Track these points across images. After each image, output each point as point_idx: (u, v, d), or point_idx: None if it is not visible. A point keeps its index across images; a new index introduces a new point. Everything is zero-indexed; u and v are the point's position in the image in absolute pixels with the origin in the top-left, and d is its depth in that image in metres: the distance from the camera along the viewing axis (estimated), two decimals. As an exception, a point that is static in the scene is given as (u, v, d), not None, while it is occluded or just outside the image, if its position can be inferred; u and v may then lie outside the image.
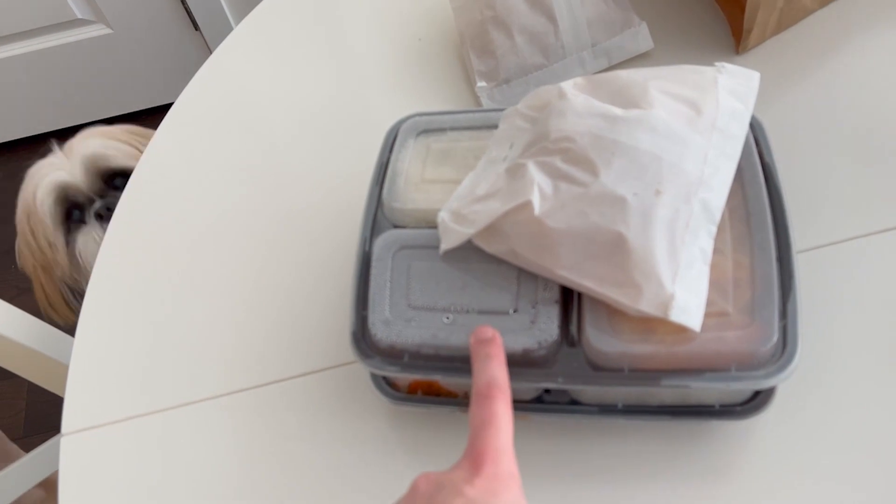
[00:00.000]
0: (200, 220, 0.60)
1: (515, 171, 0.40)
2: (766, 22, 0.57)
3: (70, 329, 0.90)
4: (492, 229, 0.41)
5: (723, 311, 0.38)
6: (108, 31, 1.46)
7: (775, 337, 0.37)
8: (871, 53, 0.55)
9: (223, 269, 0.56)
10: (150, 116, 1.62)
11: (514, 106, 0.45)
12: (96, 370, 0.53)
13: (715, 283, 0.39)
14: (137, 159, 0.83)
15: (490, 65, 0.58)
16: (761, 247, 0.40)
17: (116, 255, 0.60)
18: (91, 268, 0.81)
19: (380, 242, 0.45)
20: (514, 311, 0.40)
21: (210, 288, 0.56)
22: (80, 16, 1.43)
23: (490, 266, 0.42)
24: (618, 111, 0.39)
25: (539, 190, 0.39)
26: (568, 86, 0.42)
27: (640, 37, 0.59)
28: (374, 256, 0.44)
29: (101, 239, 0.81)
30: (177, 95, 0.68)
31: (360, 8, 0.71)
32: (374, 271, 0.43)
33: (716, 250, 0.40)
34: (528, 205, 0.39)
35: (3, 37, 1.45)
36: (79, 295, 0.88)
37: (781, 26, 0.58)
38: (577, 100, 0.40)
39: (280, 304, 0.53)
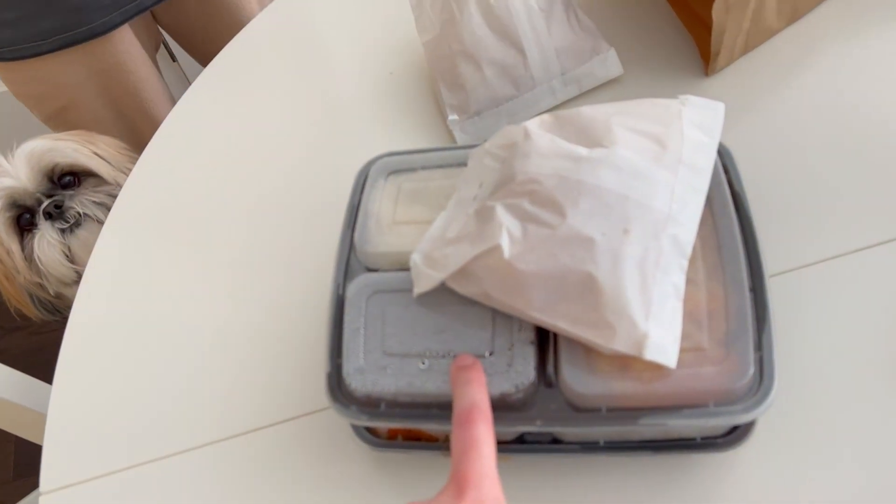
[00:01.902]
0: (172, 263, 0.60)
1: (484, 214, 0.40)
2: (734, 44, 0.57)
3: (44, 324, 0.90)
4: (463, 272, 0.40)
5: (698, 345, 0.38)
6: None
7: (751, 371, 0.37)
8: (838, 70, 0.55)
9: (196, 317, 0.56)
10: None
11: (482, 145, 0.45)
12: (73, 426, 0.52)
13: (689, 315, 0.39)
14: (85, 155, 0.83)
15: (461, 98, 0.58)
16: (734, 278, 0.39)
17: (88, 307, 0.59)
18: (50, 270, 0.81)
19: (353, 287, 0.44)
20: (490, 354, 0.40)
21: (183, 337, 0.55)
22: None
23: (465, 308, 0.42)
24: (582, 151, 0.39)
25: (508, 233, 0.39)
26: (533, 125, 0.42)
27: (610, 63, 0.59)
28: (348, 302, 0.44)
29: (55, 239, 0.81)
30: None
31: (330, 43, 0.71)
32: (347, 317, 0.43)
33: (689, 281, 0.40)
34: (497, 248, 0.38)
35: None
36: (44, 302, 0.87)
37: (749, 47, 0.58)
38: (541, 140, 0.40)
39: (257, 350, 0.53)
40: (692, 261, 0.40)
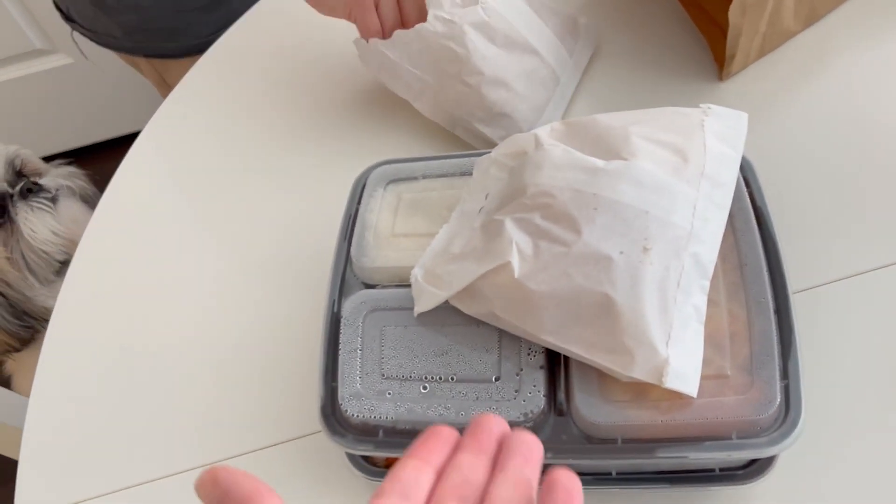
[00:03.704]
0: (157, 276, 0.56)
1: (492, 229, 0.37)
2: (749, 47, 0.54)
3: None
4: (469, 291, 0.38)
5: (720, 371, 0.36)
6: (68, 60, 1.41)
7: (778, 400, 0.34)
8: (859, 74, 0.53)
9: (183, 334, 0.53)
10: (118, 147, 1.57)
11: (488, 154, 0.42)
12: (49, 449, 0.49)
13: (710, 338, 0.36)
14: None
15: (506, 124, 0.54)
16: (757, 300, 0.37)
17: (67, 324, 0.56)
18: (42, 243, 0.82)
19: (349, 304, 0.41)
20: (497, 380, 0.37)
21: (170, 356, 0.52)
22: (38, 46, 1.38)
23: (469, 329, 0.39)
24: (598, 163, 0.36)
25: (518, 250, 0.36)
26: (544, 133, 0.39)
27: (589, 29, 0.59)
28: (344, 320, 0.41)
29: (43, 209, 0.82)
30: (142, 124, 0.65)
31: (328, 39, 0.68)
32: (343, 337, 0.40)
33: (710, 302, 0.37)
34: (507, 266, 0.36)
35: (-39, 70, 1.40)
36: (13, 305, 0.85)
37: (765, 50, 0.56)
38: (554, 151, 0.37)
39: (246, 369, 0.50)
40: (713, 280, 0.37)
